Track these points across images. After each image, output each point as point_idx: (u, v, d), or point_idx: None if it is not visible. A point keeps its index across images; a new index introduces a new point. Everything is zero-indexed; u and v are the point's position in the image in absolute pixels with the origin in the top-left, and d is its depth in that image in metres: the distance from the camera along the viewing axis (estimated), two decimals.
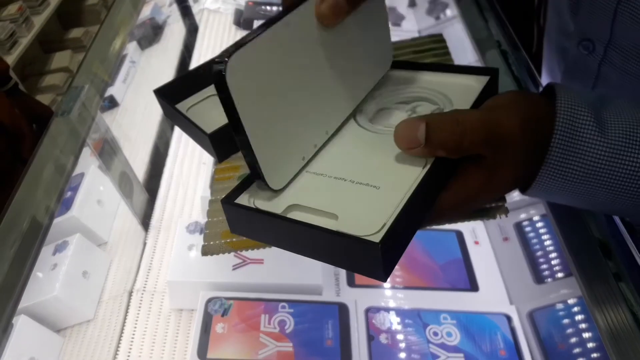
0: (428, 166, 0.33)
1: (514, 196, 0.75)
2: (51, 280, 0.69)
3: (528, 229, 0.75)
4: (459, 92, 0.41)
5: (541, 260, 0.71)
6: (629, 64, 0.48)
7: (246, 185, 0.37)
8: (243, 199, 0.36)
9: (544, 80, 0.67)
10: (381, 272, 0.29)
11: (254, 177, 0.34)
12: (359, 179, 0.34)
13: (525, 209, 0.77)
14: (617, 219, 0.43)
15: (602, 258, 0.39)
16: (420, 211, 0.32)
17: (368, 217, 0.31)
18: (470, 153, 0.32)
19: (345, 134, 0.40)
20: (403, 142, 0.32)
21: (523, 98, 0.35)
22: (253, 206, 0.35)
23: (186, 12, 1.28)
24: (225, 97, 0.31)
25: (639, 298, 0.37)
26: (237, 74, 0.30)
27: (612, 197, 0.34)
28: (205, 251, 0.46)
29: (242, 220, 0.36)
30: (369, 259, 0.29)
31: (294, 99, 0.35)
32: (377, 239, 0.28)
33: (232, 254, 0.71)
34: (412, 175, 0.33)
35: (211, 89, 0.61)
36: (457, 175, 0.33)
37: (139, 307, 0.70)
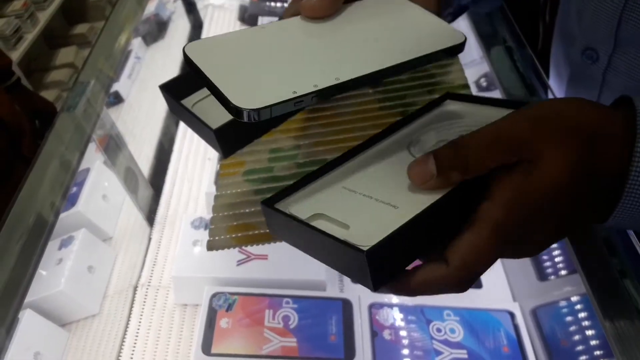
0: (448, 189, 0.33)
1: None
2: (57, 275, 0.70)
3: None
4: None
5: (545, 257, 0.71)
6: (634, 70, 0.47)
7: (290, 192, 0.39)
8: (281, 204, 0.39)
9: (552, 81, 0.66)
10: (369, 280, 0.30)
11: (226, 108, 0.35)
12: (383, 197, 0.36)
13: None
14: None
15: (607, 255, 0.40)
16: (429, 231, 0.32)
17: (374, 231, 0.32)
18: (486, 168, 0.30)
19: (395, 161, 0.41)
20: (417, 179, 0.32)
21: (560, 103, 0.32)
22: (286, 211, 0.37)
23: (191, 8, 1.28)
24: (188, 63, 0.37)
25: None
26: (195, 48, 0.38)
27: None
28: (211, 246, 0.47)
29: (273, 221, 0.39)
30: (360, 267, 0.30)
31: (267, 55, 0.38)
32: (365, 247, 0.29)
33: (237, 249, 0.72)
34: (431, 197, 0.33)
35: None
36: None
37: (144, 302, 0.70)
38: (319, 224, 0.36)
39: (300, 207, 0.38)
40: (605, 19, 0.46)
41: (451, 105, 0.46)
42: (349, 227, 0.34)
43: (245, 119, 0.33)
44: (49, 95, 2.33)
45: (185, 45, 0.37)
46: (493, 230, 0.30)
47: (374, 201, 0.36)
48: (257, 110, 0.33)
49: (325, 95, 0.35)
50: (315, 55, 0.39)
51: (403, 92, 0.55)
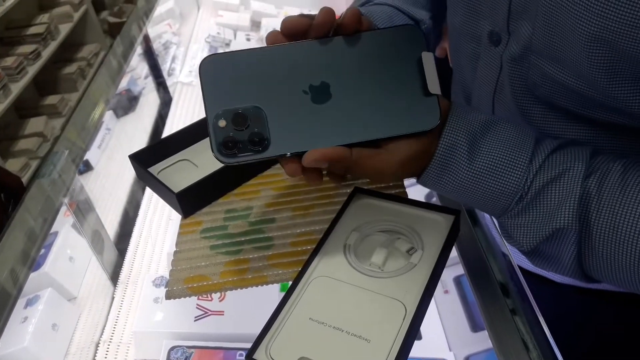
0: (407, 319, 0.42)
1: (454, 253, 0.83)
2: (21, 333, 0.73)
3: (466, 282, 0.83)
4: (429, 227, 0.52)
5: (477, 310, 0.79)
6: None
7: (261, 337, 0.44)
8: (260, 353, 0.43)
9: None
10: None
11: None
12: (353, 330, 0.43)
13: None
14: (515, 263, 0.51)
15: (502, 296, 0.48)
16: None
17: None
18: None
19: (338, 274, 0.48)
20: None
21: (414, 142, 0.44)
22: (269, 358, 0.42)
23: (161, 84, 1.39)
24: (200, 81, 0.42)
25: (529, 329, 0.45)
26: (208, 68, 0.42)
27: (479, 204, 0.46)
28: (169, 295, 0.53)
29: None
30: None
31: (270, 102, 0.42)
32: None
33: (195, 306, 0.77)
34: (394, 327, 0.42)
35: (179, 155, 0.69)
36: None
37: (105, 357, 0.74)
38: None
39: (280, 352, 0.42)
40: (485, 102, 0.58)
41: (362, 200, 0.56)
42: None
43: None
44: (16, 163, 2.36)
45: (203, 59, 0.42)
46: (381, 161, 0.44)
47: (346, 335, 0.42)
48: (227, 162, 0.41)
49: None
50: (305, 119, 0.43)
51: None
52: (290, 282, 0.49)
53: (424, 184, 0.46)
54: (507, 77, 0.52)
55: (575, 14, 0.40)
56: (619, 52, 0.39)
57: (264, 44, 0.44)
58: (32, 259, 0.67)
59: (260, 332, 0.43)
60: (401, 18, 0.62)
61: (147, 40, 1.35)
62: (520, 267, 0.51)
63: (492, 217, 0.56)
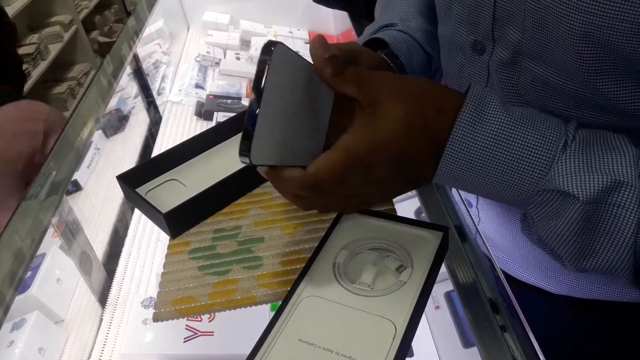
0: (397, 338, 0.42)
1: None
2: (7, 357, 0.72)
3: (457, 297, 0.83)
4: (418, 244, 0.51)
5: (468, 326, 0.79)
6: None
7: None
8: None
9: None
10: None
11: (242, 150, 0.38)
12: (343, 350, 0.42)
13: None
14: (504, 279, 0.51)
15: (491, 312, 0.48)
16: None
17: None
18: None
19: (328, 293, 0.48)
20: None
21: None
22: None
23: (151, 103, 1.39)
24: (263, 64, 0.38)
25: (519, 345, 0.45)
26: (278, 58, 0.38)
27: (518, 164, 0.40)
28: (157, 318, 0.52)
29: None
30: None
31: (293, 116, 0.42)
32: None
33: (184, 327, 0.76)
34: (384, 347, 0.42)
35: (167, 175, 0.69)
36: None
37: None
38: None
39: None
40: None
41: (350, 218, 0.56)
42: None
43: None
44: None
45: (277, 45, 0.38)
46: (345, 151, 0.40)
47: (336, 355, 0.42)
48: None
49: None
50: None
51: None
52: (280, 302, 0.49)
53: (451, 151, 0.40)
54: (497, 84, 0.52)
55: (563, 14, 0.40)
56: (606, 48, 0.40)
57: (254, 63, 0.45)
58: (19, 280, 0.66)
59: (249, 355, 0.43)
60: (418, 50, 0.62)
61: (137, 59, 1.35)
62: (513, 278, 0.51)
63: (482, 237, 0.56)
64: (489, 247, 0.60)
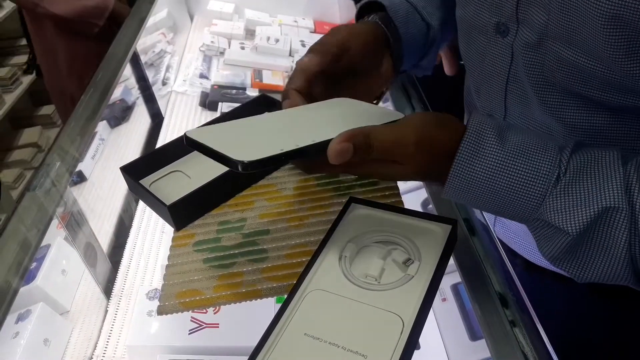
0: (404, 333, 0.42)
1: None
2: (12, 349, 0.72)
3: (464, 289, 0.82)
4: (426, 237, 0.51)
5: (475, 318, 0.78)
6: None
7: (255, 354, 0.43)
8: None
9: None
10: None
11: (228, 166, 0.41)
12: (349, 345, 0.42)
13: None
14: (513, 273, 0.51)
15: (501, 307, 0.47)
16: None
17: None
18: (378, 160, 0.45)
19: (334, 287, 0.47)
20: (336, 156, 0.42)
21: (434, 118, 0.46)
22: None
23: (155, 93, 1.38)
24: (189, 142, 0.42)
25: (528, 340, 0.44)
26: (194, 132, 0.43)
27: (514, 195, 0.43)
28: (161, 311, 0.52)
29: None
30: None
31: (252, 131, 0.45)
32: None
33: (189, 319, 0.76)
34: (392, 342, 0.41)
35: (171, 166, 0.68)
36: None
37: None
38: None
39: None
40: (496, 91, 0.57)
41: (357, 210, 0.55)
42: None
43: (241, 170, 0.40)
44: (11, 174, 2.35)
45: (186, 131, 0.44)
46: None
47: (342, 350, 0.41)
48: (251, 162, 0.40)
49: (302, 154, 0.43)
50: (289, 129, 0.46)
51: None
52: (285, 295, 0.48)
53: (453, 180, 0.44)
54: (523, 66, 0.52)
55: None
56: (636, 29, 0.39)
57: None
58: (24, 269, 0.66)
59: (254, 349, 0.42)
60: (416, 18, 0.62)
61: (141, 49, 1.34)
62: (532, 264, 0.50)
63: (492, 229, 0.55)
64: (506, 232, 0.59)
